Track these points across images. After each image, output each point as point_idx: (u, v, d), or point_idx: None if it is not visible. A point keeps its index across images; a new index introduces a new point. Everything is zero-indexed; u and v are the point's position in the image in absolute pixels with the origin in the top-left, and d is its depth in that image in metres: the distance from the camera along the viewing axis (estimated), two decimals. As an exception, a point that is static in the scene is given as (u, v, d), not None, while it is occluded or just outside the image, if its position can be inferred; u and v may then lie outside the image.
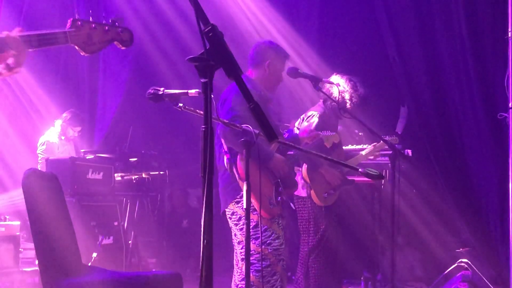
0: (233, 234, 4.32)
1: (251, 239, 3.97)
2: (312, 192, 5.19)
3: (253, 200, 3.98)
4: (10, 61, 2.46)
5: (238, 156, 4.10)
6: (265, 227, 4.18)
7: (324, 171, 5.22)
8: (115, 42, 2.64)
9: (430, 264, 6.97)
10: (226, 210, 4.32)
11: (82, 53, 2.59)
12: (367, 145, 5.89)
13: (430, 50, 7.23)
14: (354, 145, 6.28)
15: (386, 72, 7.61)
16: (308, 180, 5.15)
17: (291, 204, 5.40)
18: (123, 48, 2.67)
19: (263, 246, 4.13)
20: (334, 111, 5.39)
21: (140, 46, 8.66)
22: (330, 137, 4.92)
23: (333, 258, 5.42)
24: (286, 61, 4.61)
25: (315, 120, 5.27)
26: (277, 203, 4.23)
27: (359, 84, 5.44)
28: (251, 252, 3.96)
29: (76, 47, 2.57)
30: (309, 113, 5.43)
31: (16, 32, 2.46)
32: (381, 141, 5.31)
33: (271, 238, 4.20)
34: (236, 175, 4.13)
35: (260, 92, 4.35)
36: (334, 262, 5.45)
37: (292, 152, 4.50)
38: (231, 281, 4.37)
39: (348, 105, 5.29)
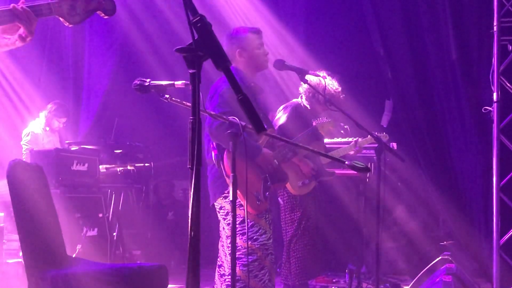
0: (221, 227, 4.32)
1: (238, 235, 3.97)
2: None
3: (239, 196, 3.97)
4: (21, 31, 2.58)
5: (225, 152, 4.09)
6: (252, 223, 4.18)
7: (297, 160, 5.26)
8: (98, 12, 2.66)
9: (415, 257, 7.01)
10: (215, 203, 4.31)
11: (67, 24, 2.63)
12: (352, 138, 5.93)
13: (415, 43, 7.24)
14: (340, 138, 6.29)
15: (371, 65, 7.62)
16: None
17: (279, 199, 5.44)
18: (106, 17, 2.69)
19: (249, 242, 4.13)
20: (318, 104, 5.44)
21: (126, 35, 8.61)
22: (326, 123, 4.94)
23: (312, 246, 5.49)
24: (256, 36, 4.48)
25: (288, 111, 5.35)
26: (265, 199, 4.22)
27: (338, 81, 5.54)
28: (238, 247, 3.97)
29: (61, 19, 2.61)
30: (285, 105, 5.52)
31: (21, 4, 2.57)
32: (364, 138, 5.40)
33: (258, 233, 4.19)
34: (223, 172, 4.12)
35: (248, 84, 4.33)
36: (313, 249, 5.51)
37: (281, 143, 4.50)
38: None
39: (334, 95, 5.34)
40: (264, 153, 4.23)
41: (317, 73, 5.19)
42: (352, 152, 5.72)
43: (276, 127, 5.31)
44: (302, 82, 5.00)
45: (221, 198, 4.24)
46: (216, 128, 4.00)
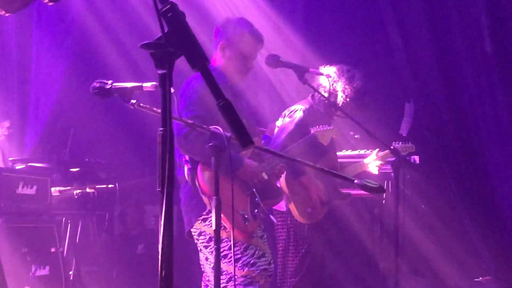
0: (203, 257, 4.33)
1: (229, 262, 3.99)
2: (292, 206, 5.20)
3: (222, 219, 3.99)
4: None
5: (199, 166, 4.10)
6: (245, 245, 4.19)
7: (307, 180, 5.22)
8: None
9: (442, 296, 7.02)
10: (192, 230, 4.31)
11: (3, 13, 2.64)
12: (364, 150, 5.91)
13: (441, 34, 7.28)
14: (350, 151, 6.30)
15: (387, 61, 7.65)
16: (287, 190, 5.16)
17: (271, 217, 5.42)
18: (50, 3, 2.69)
19: (246, 269, 4.15)
20: (325, 108, 5.41)
21: (81, 28, 8.60)
22: (327, 131, 4.92)
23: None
24: (254, 43, 4.56)
25: (298, 115, 5.27)
26: (254, 218, 4.23)
27: (359, 76, 5.46)
28: (236, 277, 3.98)
29: None
30: (293, 108, 5.44)
31: None
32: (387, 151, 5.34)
33: (255, 256, 4.22)
34: (199, 189, 4.13)
35: (226, 83, 4.35)
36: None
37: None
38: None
39: (339, 99, 5.31)
40: (246, 165, 4.25)
41: (321, 70, 5.20)
42: (377, 166, 5.63)
43: (283, 137, 5.22)
44: (319, 77, 5.02)
45: (199, 221, 4.25)
46: (185, 136, 4.02)
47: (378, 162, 5.59)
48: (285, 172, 5.13)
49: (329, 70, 5.35)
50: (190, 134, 4.00)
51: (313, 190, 5.26)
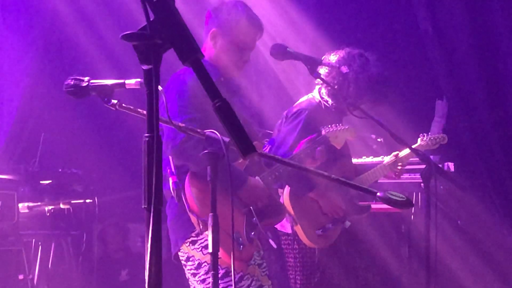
0: (192, 286, 4.33)
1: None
2: (298, 228, 5.16)
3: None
4: None
5: (186, 178, 4.09)
6: (240, 274, 4.19)
7: (318, 195, 5.20)
8: None
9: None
10: (179, 253, 4.31)
11: None
12: (383, 156, 5.89)
13: (480, 18, 7.27)
14: (371, 158, 6.30)
15: (416, 50, 7.65)
16: (291, 210, 5.13)
17: (270, 241, 5.40)
18: None
19: None
20: (336, 105, 5.39)
21: (51, 16, 8.61)
22: (340, 132, 4.89)
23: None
24: (247, 25, 4.54)
25: (302, 118, 5.25)
26: (250, 241, 4.22)
27: (373, 61, 5.43)
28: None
29: None
30: (295, 107, 5.42)
31: None
32: (407, 149, 5.29)
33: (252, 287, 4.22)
34: (186, 206, 4.10)
35: (218, 78, 4.35)
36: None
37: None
38: None
39: (353, 92, 5.27)
40: (250, 185, 4.25)
41: (332, 60, 5.19)
42: (395, 173, 5.61)
43: (285, 147, 5.20)
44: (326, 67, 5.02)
45: (187, 244, 4.24)
46: (181, 144, 4.00)
47: (394, 169, 5.55)
48: (288, 188, 5.12)
49: (336, 57, 5.33)
50: (187, 141, 3.99)
51: (326, 204, 5.24)
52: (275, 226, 5.31)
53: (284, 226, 5.26)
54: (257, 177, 4.38)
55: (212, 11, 4.55)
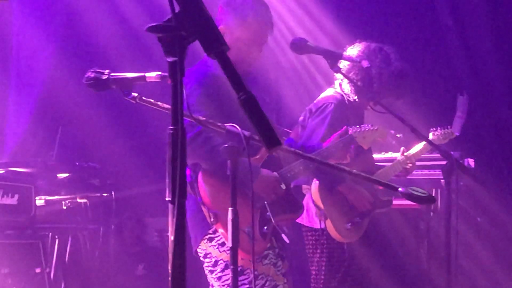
0: (210, 284, 4.33)
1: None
2: (328, 222, 5.16)
3: (223, 234, 3.99)
4: None
5: (200, 173, 4.09)
6: (254, 272, 4.17)
7: (346, 189, 5.19)
8: None
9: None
10: (198, 249, 4.31)
11: None
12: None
13: (502, 11, 7.24)
14: (390, 153, 6.28)
15: (436, 44, 7.62)
16: (321, 205, 5.12)
17: (283, 236, 5.39)
18: None
19: None
20: (359, 100, 5.37)
21: (72, 8, 8.62)
22: (369, 133, 4.85)
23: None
24: (255, 24, 4.52)
25: (330, 112, 5.22)
26: (263, 236, 4.21)
27: (395, 56, 5.41)
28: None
29: None
30: (321, 101, 5.40)
31: None
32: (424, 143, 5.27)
33: None
34: (199, 200, 4.10)
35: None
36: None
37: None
38: None
39: (376, 88, 5.25)
40: (264, 176, 4.25)
41: (352, 55, 5.17)
42: (409, 166, 5.58)
43: (315, 139, 5.17)
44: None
45: (205, 241, 4.24)
46: (192, 140, 3.99)
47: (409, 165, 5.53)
48: (317, 182, 5.11)
49: (355, 51, 5.32)
50: (196, 137, 3.98)
51: (355, 199, 5.21)
52: (302, 223, 5.31)
53: (312, 221, 5.24)
54: (275, 173, 4.36)
55: (222, 7, 4.54)
